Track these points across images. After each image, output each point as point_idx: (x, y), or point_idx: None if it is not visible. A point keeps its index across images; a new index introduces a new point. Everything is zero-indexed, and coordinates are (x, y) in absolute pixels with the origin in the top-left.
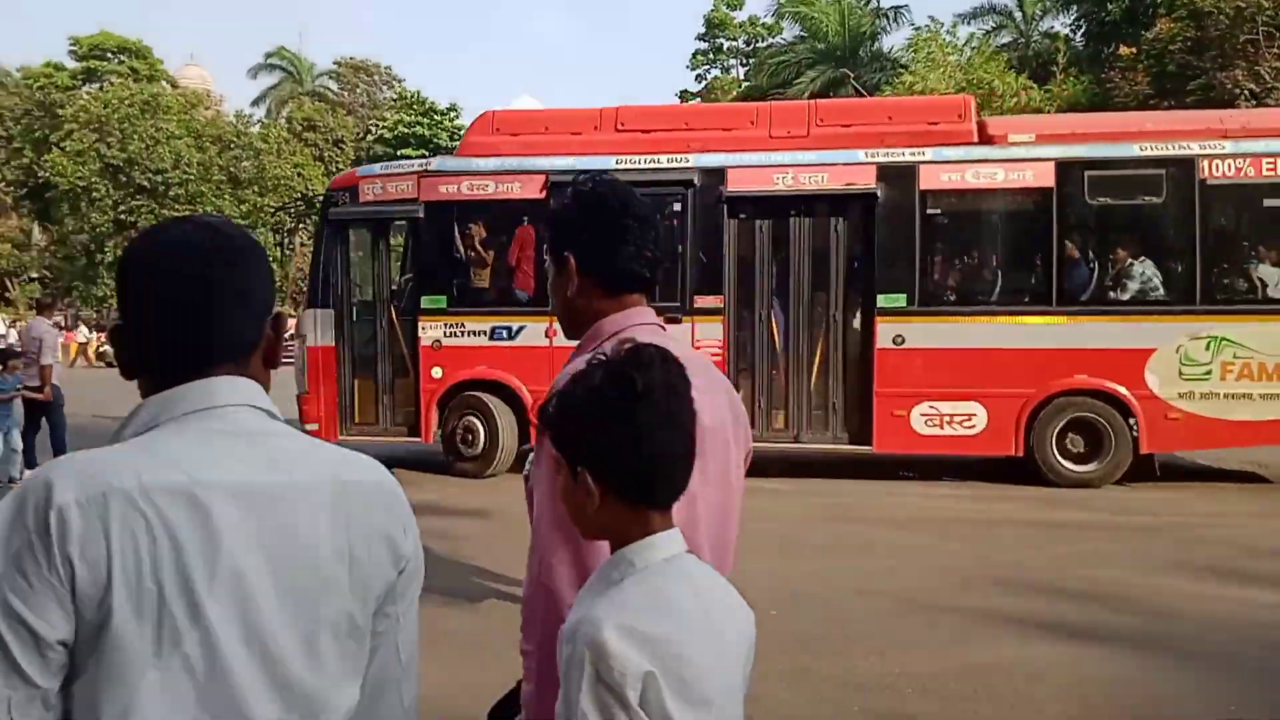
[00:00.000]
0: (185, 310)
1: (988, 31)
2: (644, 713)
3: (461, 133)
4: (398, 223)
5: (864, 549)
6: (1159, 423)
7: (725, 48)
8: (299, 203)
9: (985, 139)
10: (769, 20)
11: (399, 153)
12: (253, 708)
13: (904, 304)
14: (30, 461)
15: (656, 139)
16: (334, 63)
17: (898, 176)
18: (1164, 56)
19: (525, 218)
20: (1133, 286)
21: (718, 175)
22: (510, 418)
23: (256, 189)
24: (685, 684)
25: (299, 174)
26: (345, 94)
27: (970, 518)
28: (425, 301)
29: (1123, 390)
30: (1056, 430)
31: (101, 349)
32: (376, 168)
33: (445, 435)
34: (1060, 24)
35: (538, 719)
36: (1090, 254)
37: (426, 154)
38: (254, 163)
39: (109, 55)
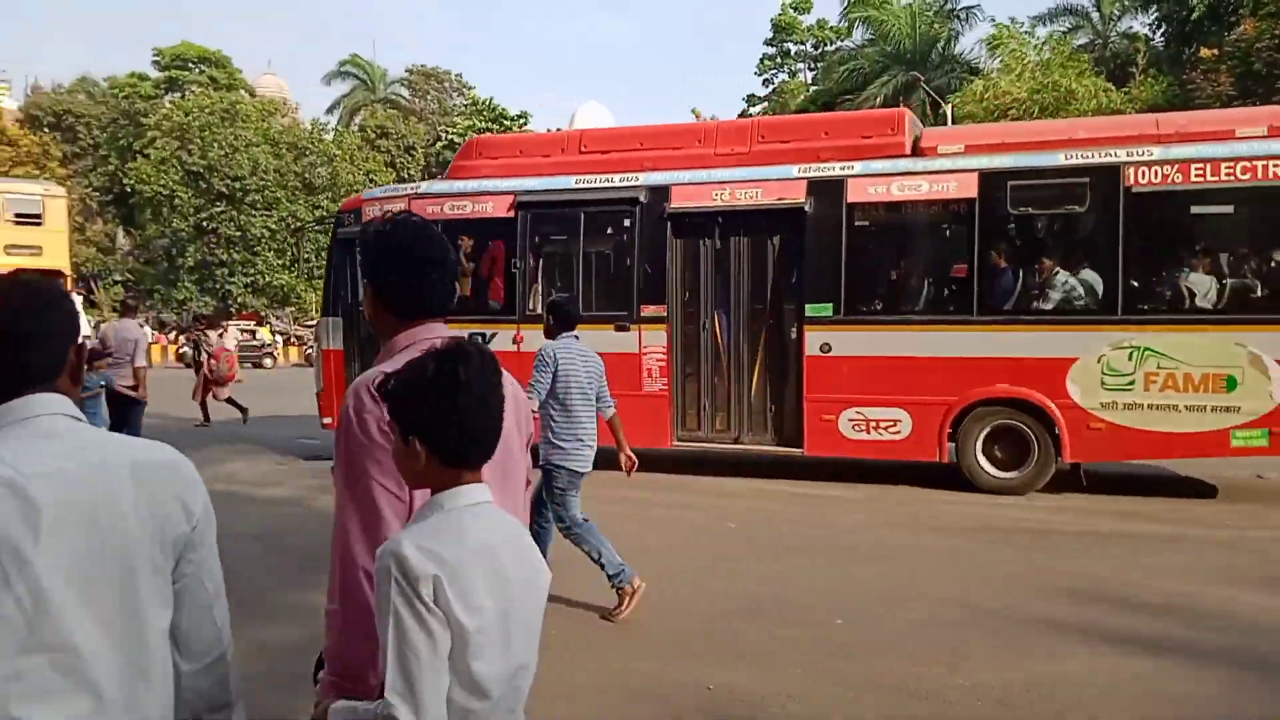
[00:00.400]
0: (4, 349)
1: (1065, 32)
2: (436, 606)
3: None
4: None
5: (926, 557)
6: (1081, 432)
7: (793, 52)
8: None
9: (918, 151)
10: (838, 24)
11: None
12: (73, 630)
13: (830, 313)
14: None
15: (614, 159)
16: (405, 70)
17: (826, 190)
18: (1250, 56)
19: (497, 234)
20: (1055, 296)
21: (662, 193)
22: None
23: (329, 195)
24: (464, 593)
25: (371, 180)
26: (416, 101)
27: (1032, 527)
28: None
29: (1044, 399)
30: (981, 437)
31: (181, 350)
32: (378, 191)
33: None
34: (1139, 24)
35: (342, 658)
36: (1013, 264)
37: None
38: (328, 169)
39: (190, 65)
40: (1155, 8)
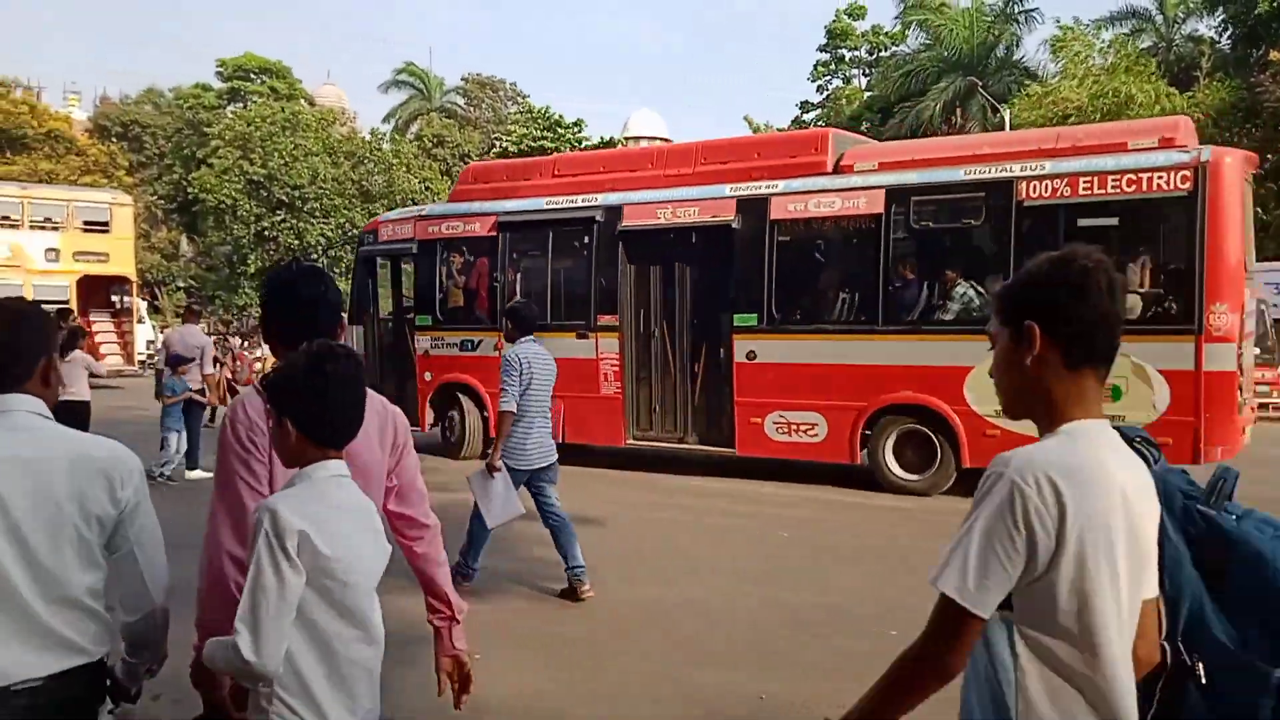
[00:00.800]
0: None
1: (1128, 35)
2: (298, 560)
3: (583, 146)
4: (403, 257)
5: None
6: (978, 438)
7: (847, 58)
8: None
9: (839, 170)
10: (893, 29)
11: None
12: (15, 575)
13: (755, 323)
14: (193, 461)
15: (583, 182)
16: (461, 79)
17: (752, 208)
18: None
19: (485, 252)
20: (954, 307)
21: (616, 212)
22: (475, 414)
23: (385, 203)
24: (330, 538)
25: (427, 188)
26: (472, 110)
27: None
28: (418, 320)
29: (943, 406)
30: (890, 441)
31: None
32: (393, 214)
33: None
34: (1205, 26)
35: (208, 626)
36: (917, 276)
37: None
38: (385, 177)
39: (252, 76)
40: (1221, 9)
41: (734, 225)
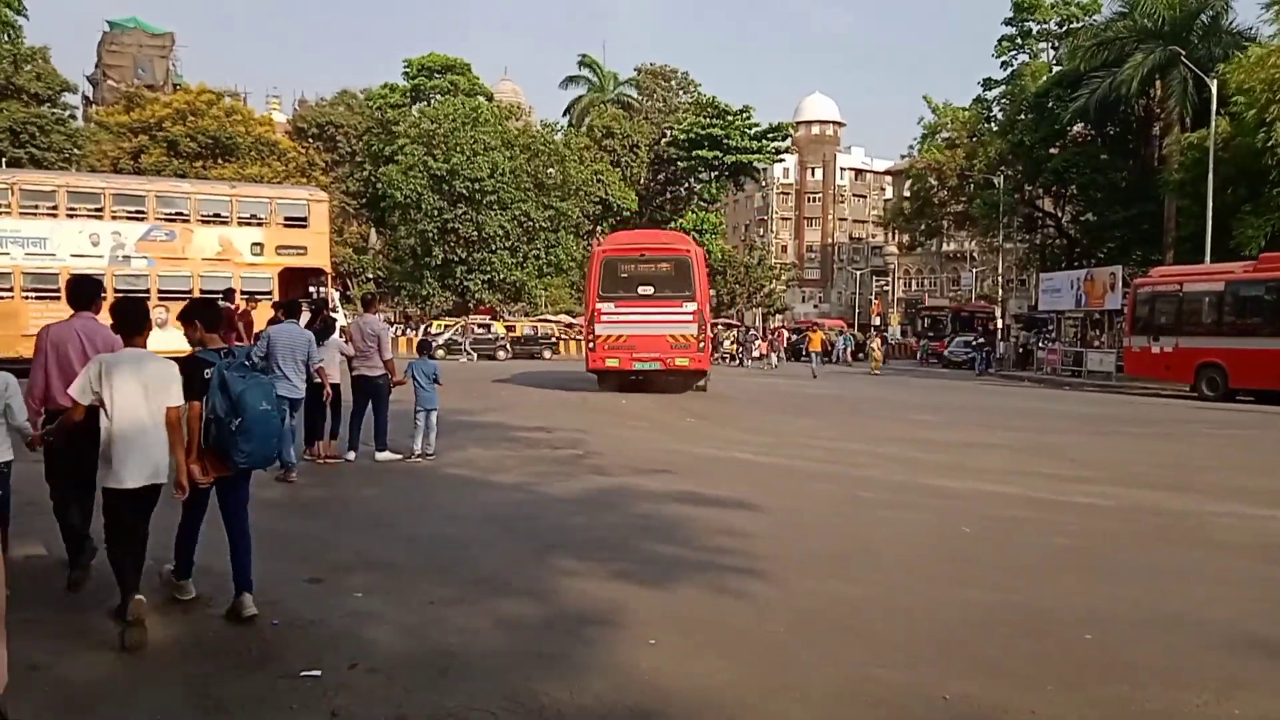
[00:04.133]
0: None
1: None
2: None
3: (754, 132)
4: None
5: (1188, 574)
6: None
7: (1034, 31)
8: (598, 206)
9: None
10: None
11: (693, 154)
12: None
13: None
14: (354, 444)
15: None
16: (634, 70)
17: None
18: None
19: None
20: None
21: None
22: None
23: (559, 193)
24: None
25: (598, 178)
26: (643, 100)
27: None
28: None
29: None
30: None
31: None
32: None
33: None
34: None
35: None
36: None
37: (719, 154)
38: (559, 169)
39: (435, 74)
40: None
41: None
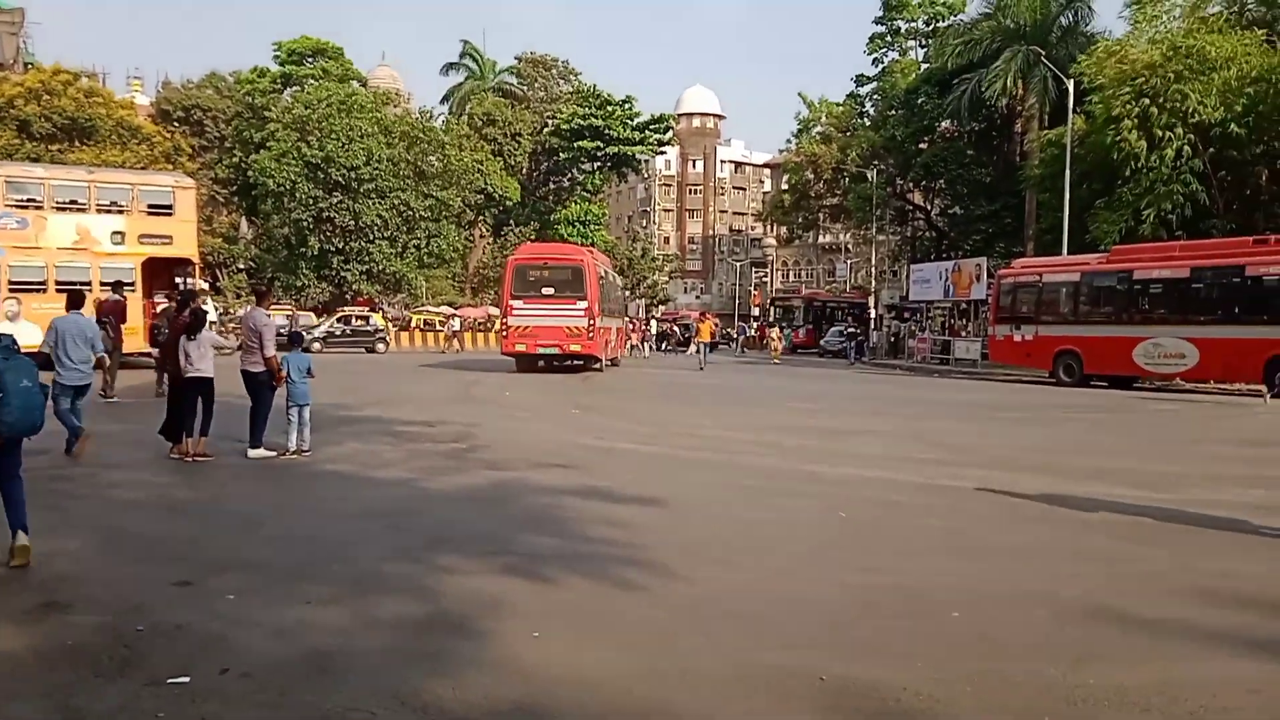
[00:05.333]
0: None
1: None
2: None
3: (636, 123)
4: None
5: (1049, 552)
6: None
7: (903, 29)
8: (480, 196)
9: None
10: None
11: (575, 144)
12: None
13: None
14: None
15: None
16: (514, 58)
17: None
18: None
19: None
20: None
21: None
22: None
23: (440, 182)
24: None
25: (479, 168)
26: (524, 89)
27: (1173, 519)
28: None
29: None
30: None
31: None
32: None
33: None
34: None
35: None
36: None
37: (600, 145)
38: (440, 157)
39: (307, 59)
40: None
41: None
